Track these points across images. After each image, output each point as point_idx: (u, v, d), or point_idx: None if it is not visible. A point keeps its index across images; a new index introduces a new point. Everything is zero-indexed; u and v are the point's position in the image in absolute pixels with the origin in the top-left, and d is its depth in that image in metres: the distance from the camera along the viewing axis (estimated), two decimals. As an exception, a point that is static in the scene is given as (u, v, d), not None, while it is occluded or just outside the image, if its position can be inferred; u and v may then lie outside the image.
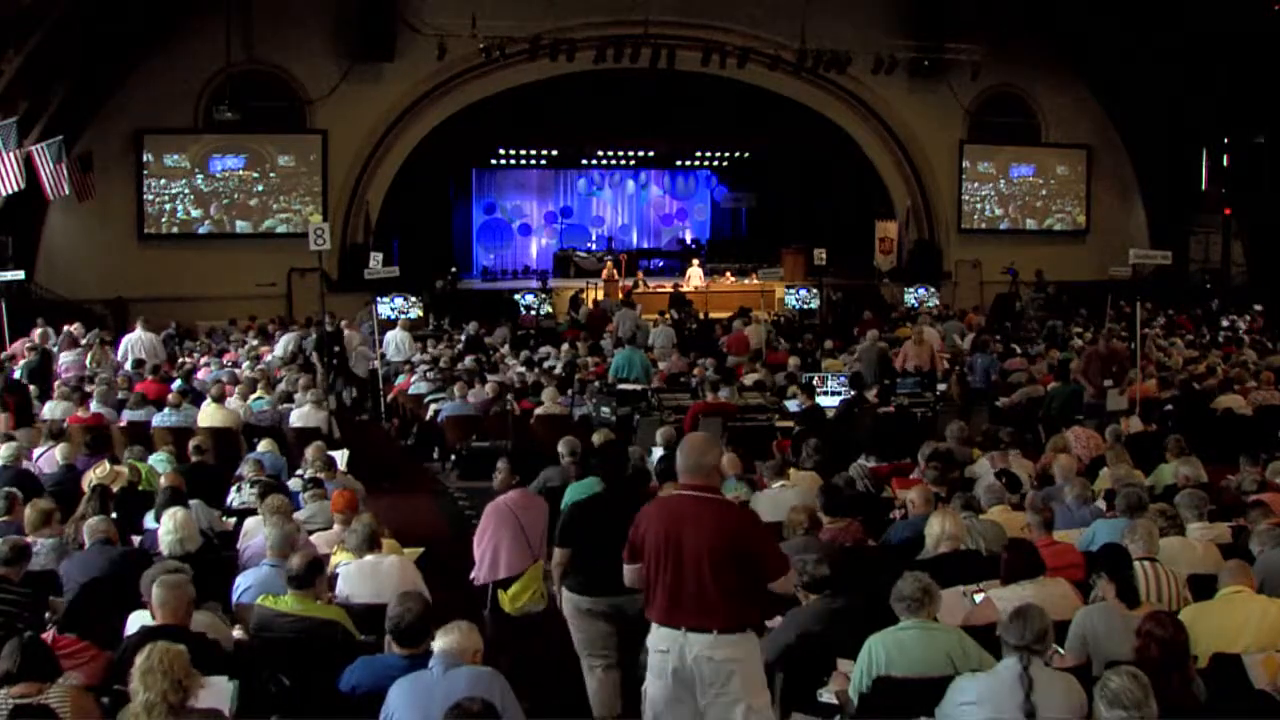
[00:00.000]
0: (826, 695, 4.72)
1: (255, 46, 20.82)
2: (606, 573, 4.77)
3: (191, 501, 6.95)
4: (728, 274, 24.76)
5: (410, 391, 13.58)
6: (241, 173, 21.67)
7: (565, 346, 16.28)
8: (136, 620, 5.04)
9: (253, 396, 11.89)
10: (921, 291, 23.47)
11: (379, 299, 18.86)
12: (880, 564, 5.96)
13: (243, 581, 5.72)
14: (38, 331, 14.58)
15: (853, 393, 11.68)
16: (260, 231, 21.82)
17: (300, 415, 11.17)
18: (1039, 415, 12.10)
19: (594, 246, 28.21)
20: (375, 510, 7.38)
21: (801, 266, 23.99)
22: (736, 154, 28.96)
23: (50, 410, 11.28)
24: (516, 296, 22.62)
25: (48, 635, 4.64)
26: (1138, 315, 12.91)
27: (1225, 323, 20.33)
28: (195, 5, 20.09)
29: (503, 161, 28.32)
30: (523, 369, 14.86)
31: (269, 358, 15.36)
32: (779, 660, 4.90)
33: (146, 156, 21.04)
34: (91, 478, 7.85)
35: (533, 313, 21.87)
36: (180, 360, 15.31)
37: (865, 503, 7.63)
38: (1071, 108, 24.95)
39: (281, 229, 21.74)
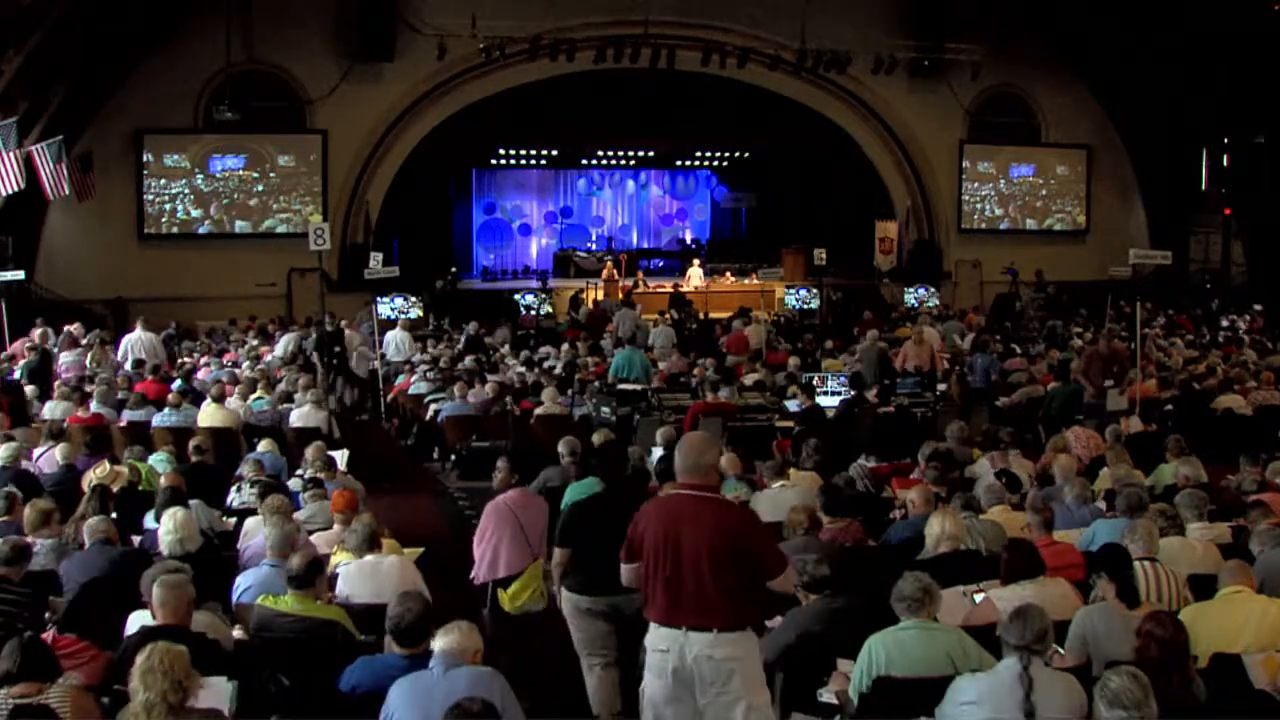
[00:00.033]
0: (826, 695, 4.72)
1: (255, 46, 20.81)
2: (606, 572, 4.77)
3: (191, 501, 6.95)
4: (728, 274, 24.76)
5: (410, 391, 13.59)
6: (241, 173, 21.67)
7: (565, 346, 16.28)
8: (136, 620, 5.04)
9: (253, 396, 11.89)
10: (921, 291, 23.47)
11: (379, 299, 18.86)
12: (880, 564, 5.96)
13: (243, 581, 5.72)
14: (38, 331, 14.58)
15: (853, 393, 11.68)
16: (260, 231, 21.82)
17: (300, 415, 11.17)
18: (1039, 415, 12.10)
19: (594, 246, 28.21)
20: (375, 510, 7.38)
21: (801, 266, 23.99)
22: (736, 154, 28.96)
23: (50, 410, 11.27)
24: (516, 296, 22.62)
25: (48, 635, 4.64)
26: (1138, 315, 12.91)
27: (1225, 323, 20.33)
28: (195, 5, 20.09)
29: (503, 161, 28.32)
30: (523, 369, 14.86)
31: (269, 358, 15.36)
32: (779, 660, 4.90)
33: (146, 156, 21.04)
34: (91, 478, 7.85)
35: (533, 313, 21.87)
36: (180, 360, 15.30)
37: (865, 503, 7.63)
38: (1071, 108, 24.95)
39: (281, 229, 21.74)
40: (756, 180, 29.48)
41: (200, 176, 21.42)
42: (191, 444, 9.04)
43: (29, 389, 12.15)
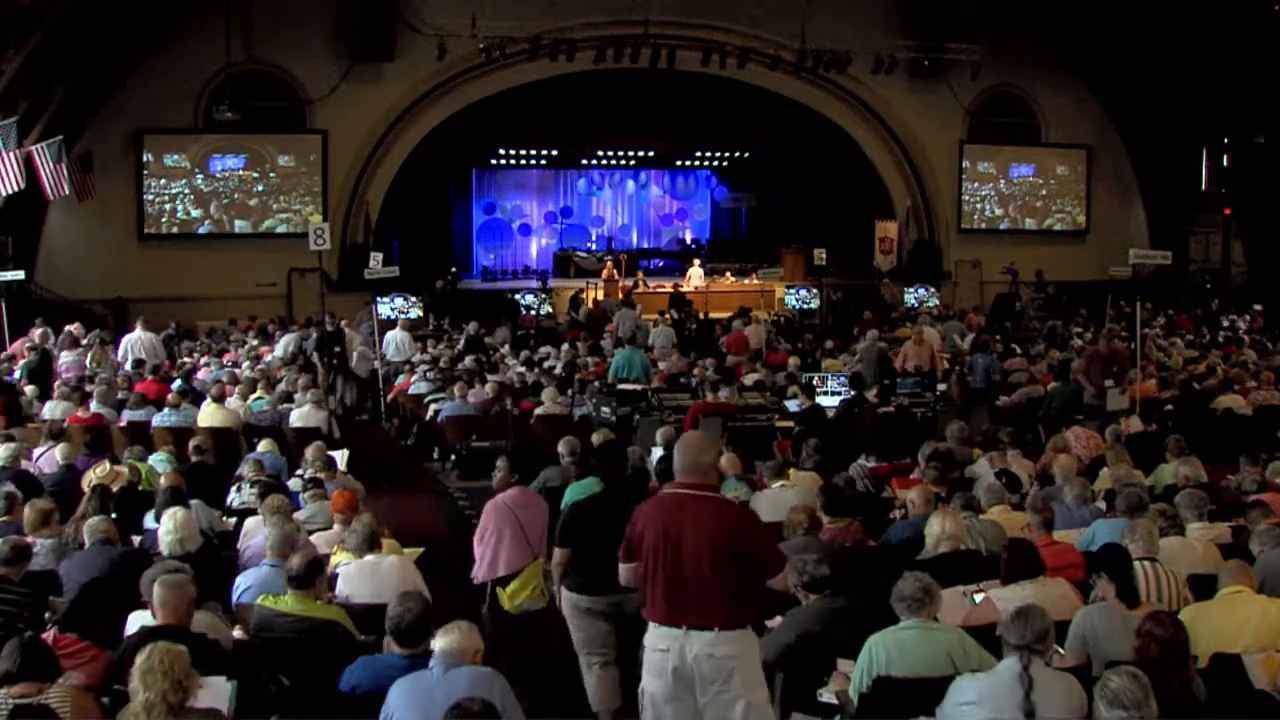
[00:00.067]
0: (826, 695, 4.72)
1: (255, 46, 20.82)
2: (606, 572, 4.77)
3: (191, 501, 6.95)
4: (728, 274, 24.77)
5: (410, 391, 13.59)
6: (241, 173, 21.67)
7: (565, 346, 16.28)
8: (137, 620, 5.04)
9: (253, 396, 11.89)
10: (921, 291, 23.47)
11: (379, 299, 18.86)
12: (880, 564, 5.96)
13: (243, 581, 5.72)
14: (37, 332, 14.59)
15: (853, 393, 11.67)
16: (260, 231, 21.82)
17: (300, 415, 11.17)
18: (1039, 415, 12.10)
19: (594, 246, 28.22)
20: (375, 510, 7.37)
21: (801, 266, 23.99)
22: (736, 154, 28.96)
23: (50, 410, 11.27)
24: (516, 296, 22.63)
25: (48, 635, 4.64)
26: (1138, 315, 12.90)
27: (1225, 323, 20.33)
28: (195, 5, 20.09)
29: (503, 161, 28.32)
30: (523, 369, 14.86)
31: (269, 358, 15.36)
32: (779, 660, 4.90)
33: (146, 156, 21.04)
34: (91, 478, 7.84)
35: (533, 313, 21.88)
36: (180, 360, 15.30)
37: (865, 503, 7.63)
38: (1071, 108, 24.95)
39: (281, 229, 21.75)
40: (756, 180, 29.48)
41: (200, 176, 21.42)
42: (191, 444, 9.04)
43: (29, 389, 12.15)
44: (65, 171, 16.24)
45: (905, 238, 25.04)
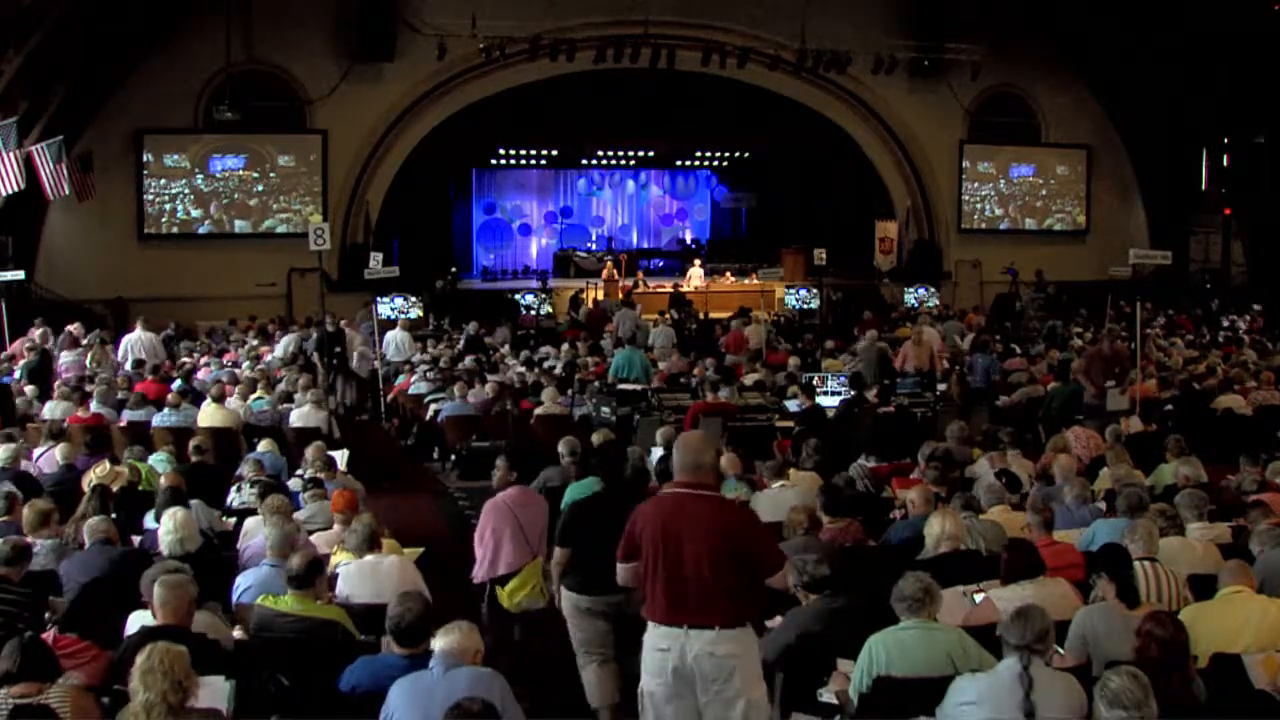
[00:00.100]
0: (826, 695, 4.72)
1: (255, 46, 20.81)
2: (606, 572, 4.77)
3: (191, 501, 6.95)
4: (728, 274, 24.77)
5: (410, 391, 13.59)
6: (241, 173, 21.67)
7: (565, 346, 16.29)
8: (137, 620, 5.04)
9: (253, 396, 11.89)
10: (921, 291, 23.47)
11: (379, 299, 18.86)
12: (880, 564, 5.96)
13: (243, 581, 5.72)
14: (37, 332, 14.59)
15: (853, 393, 11.67)
16: (260, 231, 21.82)
17: (300, 415, 11.17)
18: (1039, 415, 12.10)
19: (594, 246, 28.22)
20: (375, 510, 7.37)
21: (801, 266, 23.99)
22: (736, 154, 28.96)
23: (50, 410, 11.27)
24: (516, 296, 22.64)
25: (48, 635, 4.64)
26: (1138, 315, 12.90)
27: (1225, 323, 20.32)
28: (195, 5, 20.09)
29: (503, 161, 28.32)
30: (523, 369, 14.85)
31: (269, 358, 15.36)
32: (779, 660, 4.90)
33: (146, 156, 21.04)
34: (91, 478, 7.84)
35: (533, 313, 21.88)
36: (180, 360, 15.30)
37: (865, 503, 7.63)
38: (1071, 108, 24.95)
39: (281, 229, 21.74)
40: (756, 180, 29.48)
41: (200, 176, 21.42)
42: (191, 444, 9.04)
43: (29, 389, 12.14)
44: (65, 171, 16.24)
45: (905, 238, 25.04)
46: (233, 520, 7.47)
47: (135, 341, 14.65)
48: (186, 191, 21.42)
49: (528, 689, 4.53)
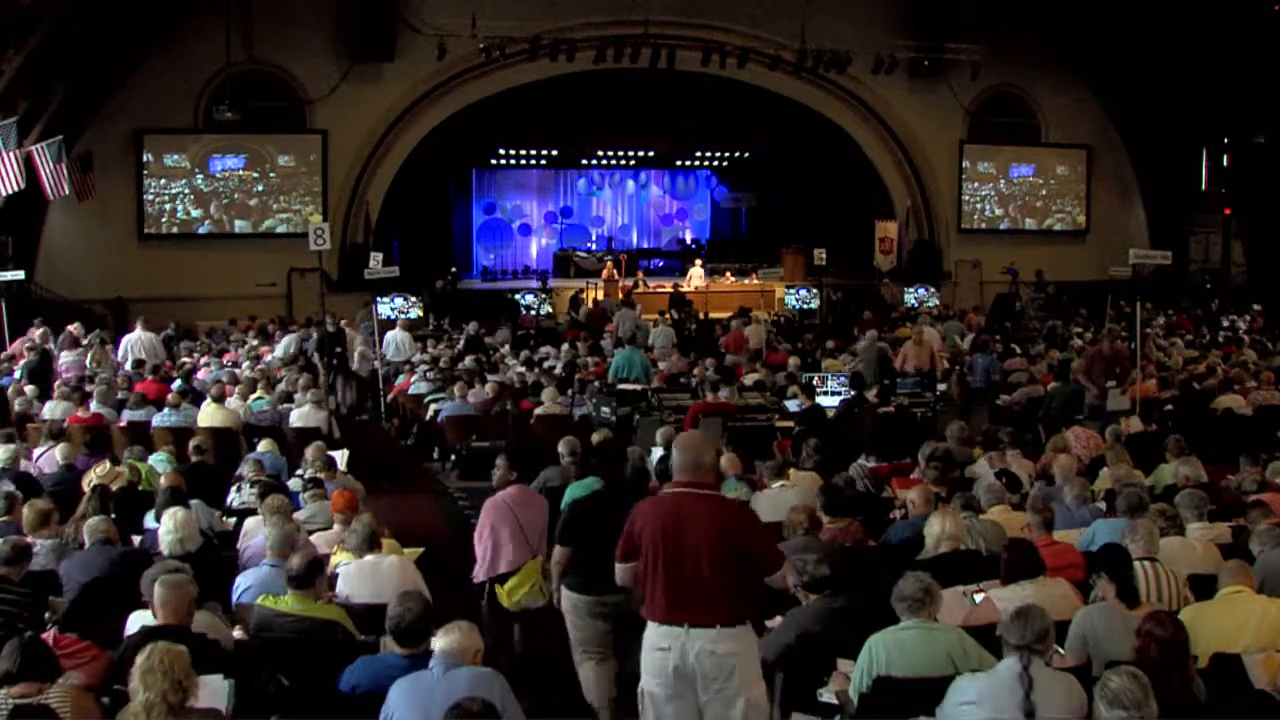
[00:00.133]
0: (826, 695, 4.72)
1: (255, 46, 20.82)
2: (606, 571, 4.78)
3: (191, 501, 6.95)
4: (728, 274, 24.77)
5: (410, 391, 13.59)
6: (241, 173, 21.67)
7: (565, 346, 16.28)
8: (137, 620, 5.04)
9: (253, 396, 11.89)
10: (921, 291, 23.47)
11: (379, 299, 18.87)
12: (880, 564, 5.96)
13: (243, 581, 5.72)
14: (37, 332, 14.59)
15: (853, 393, 11.67)
16: (260, 231, 21.83)
17: (300, 415, 11.17)
18: (1039, 415, 12.10)
19: (594, 246, 28.22)
20: (375, 510, 7.37)
21: (801, 266, 23.99)
22: (736, 154, 28.96)
23: (50, 410, 11.27)
24: (516, 296, 22.64)
25: (48, 635, 4.64)
26: (1138, 315, 12.90)
27: (1225, 323, 20.32)
28: (195, 5, 20.09)
29: (503, 161, 28.32)
30: (523, 369, 14.85)
31: (269, 358, 15.36)
32: (779, 660, 4.90)
33: (146, 156, 21.04)
34: (91, 478, 7.84)
35: (533, 313, 21.89)
36: (180, 360, 15.31)
37: (865, 503, 7.63)
38: (1071, 108, 24.95)
39: (281, 229, 21.75)
40: (756, 180, 29.48)
41: (200, 176, 21.43)
42: (191, 444, 9.04)
43: (29, 389, 12.14)
44: (65, 171, 16.24)
45: (905, 238, 25.04)
46: (233, 520, 7.47)
47: (135, 341, 14.65)
48: (186, 191, 21.42)
49: (528, 688, 4.52)
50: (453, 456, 11.80)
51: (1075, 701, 3.97)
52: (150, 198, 21.20)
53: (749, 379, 13.15)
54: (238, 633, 5.27)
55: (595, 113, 23.37)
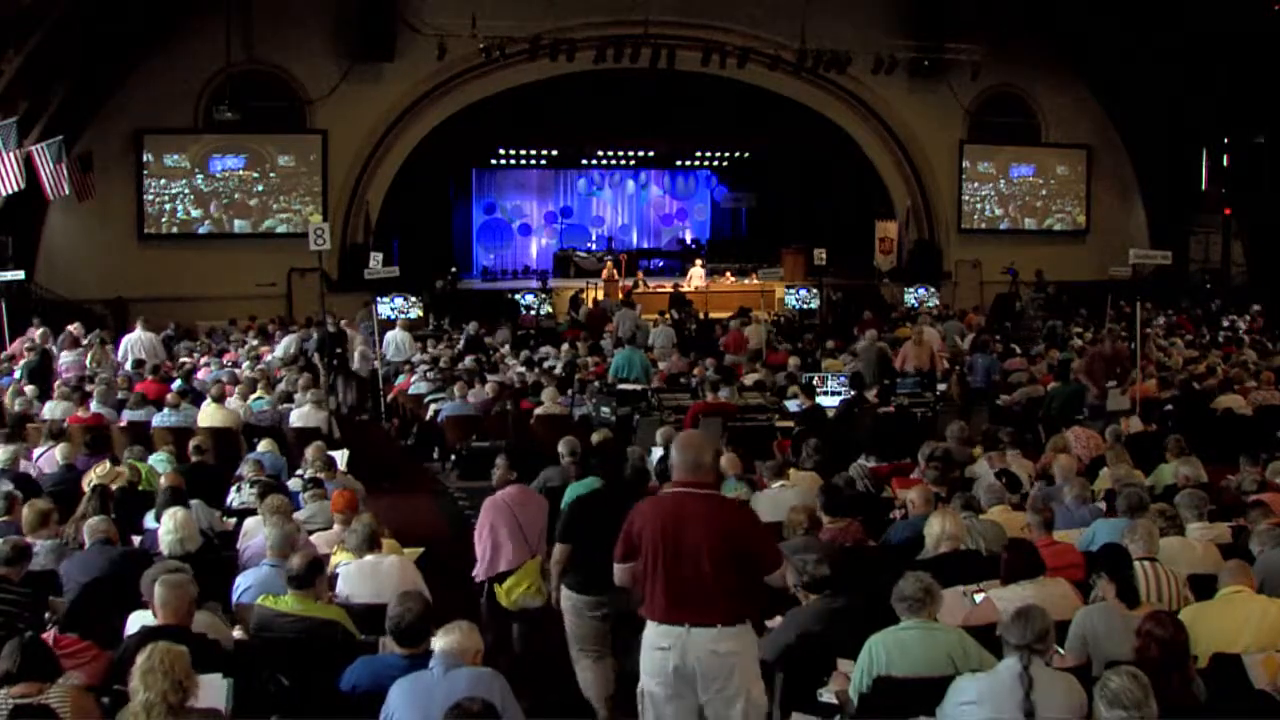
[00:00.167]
0: (826, 695, 4.72)
1: (255, 46, 20.81)
2: (605, 571, 4.78)
3: (191, 501, 6.95)
4: (728, 274, 24.77)
5: (410, 391, 13.59)
6: (241, 173, 21.67)
7: (565, 346, 16.29)
8: (137, 620, 5.04)
9: (253, 396, 11.89)
10: (921, 291, 23.47)
11: (379, 299, 18.87)
12: (880, 564, 5.96)
13: (243, 581, 5.72)
14: (37, 332, 14.58)
15: (853, 393, 11.67)
16: (260, 231, 21.82)
17: (300, 415, 11.17)
18: (1039, 415, 12.10)
19: (594, 246, 28.23)
20: (375, 510, 7.37)
21: (801, 266, 24.00)
22: (736, 154, 28.96)
23: (50, 410, 11.27)
24: (516, 296, 22.64)
25: (48, 635, 4.64)
26: (1138, 315, 12.90)
27: (1225, 323, 20.32)
28: (195, 5, 20.09)
29: (503, 161, 28.33)
30: (523, 369, 14.86)
31: (269, 358, 15.36)
32: (779, 660, 4.90)
33: (146, 156, 21.04)
34: (91, 478, 7.84)
35: (533, 313, 21.89)
36: (180, 360, 15.31)
37: (865, 503, 7.63)
38: (1071, 108, 24.95)
39: (281, 229, 21.75)
40: (756, 180, 29.48)
41: (200, 176, 21.42)
42: (191, 444, 9.04)
43: (29, 389, 12.14)
44: (65, 171, 16.23)
45: (905, 238, 25.04)
46: (233, 520, 7.47)
47: (135, 341, 14.65)
48: (186, 191, 21.42)
49: (528, 688, 4.52)
50: (453, 456, 11.80)
51: (1075, 701, 3.97)
52: (150, 198, 21.20)
53: (749, 379, 13.15)
54: (238, 633, 5.27)
55: (595, 113, 23.37)
